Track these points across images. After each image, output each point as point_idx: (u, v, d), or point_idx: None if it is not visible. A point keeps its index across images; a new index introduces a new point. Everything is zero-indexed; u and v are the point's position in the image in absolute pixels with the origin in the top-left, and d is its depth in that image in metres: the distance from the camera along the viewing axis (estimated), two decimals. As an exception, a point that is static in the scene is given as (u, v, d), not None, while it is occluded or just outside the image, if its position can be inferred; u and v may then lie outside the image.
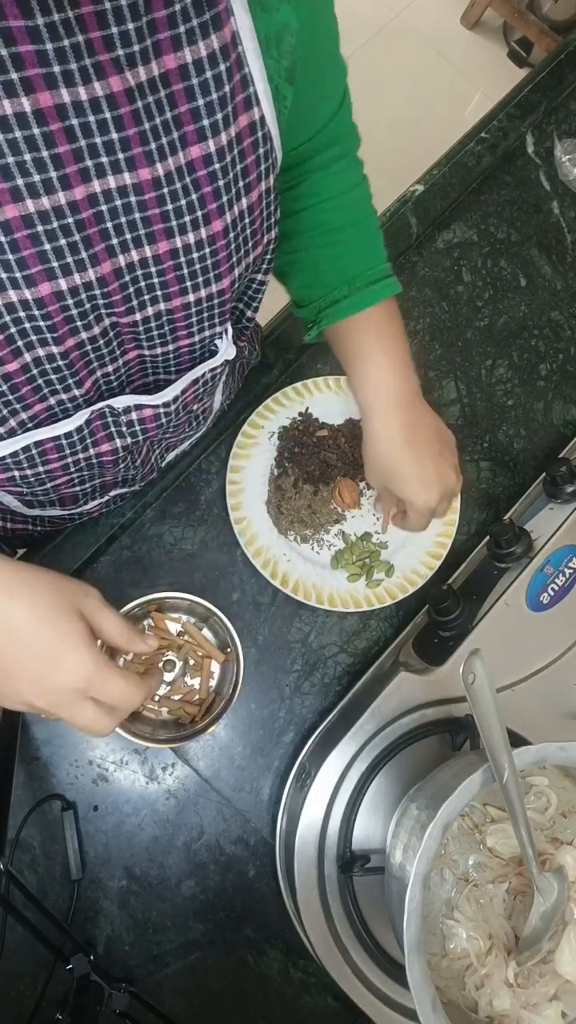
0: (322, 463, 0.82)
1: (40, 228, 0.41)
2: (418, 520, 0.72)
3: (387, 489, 0.72)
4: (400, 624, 0.81)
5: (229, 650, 0.72)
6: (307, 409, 0.84)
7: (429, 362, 0.89)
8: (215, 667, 0.74)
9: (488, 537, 0.78)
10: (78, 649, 0.46)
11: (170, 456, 0.79)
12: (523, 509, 0.83)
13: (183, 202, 0.45)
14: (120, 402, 0.56)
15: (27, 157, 0.38)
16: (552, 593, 0.73)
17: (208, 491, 0.81)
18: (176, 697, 0.73)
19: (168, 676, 0.73)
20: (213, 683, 0.74)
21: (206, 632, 0.75)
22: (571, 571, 0.74)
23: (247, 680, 0.77)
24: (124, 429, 0.59)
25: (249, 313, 0.64)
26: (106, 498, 0.75)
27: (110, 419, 0.57)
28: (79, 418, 0.54)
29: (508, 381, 0.90)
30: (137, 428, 0.60)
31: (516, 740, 0.68)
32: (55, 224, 0.41)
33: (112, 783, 0.74)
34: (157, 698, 0.72)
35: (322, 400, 0.84)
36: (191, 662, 0.74)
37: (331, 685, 0.79)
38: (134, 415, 0.58)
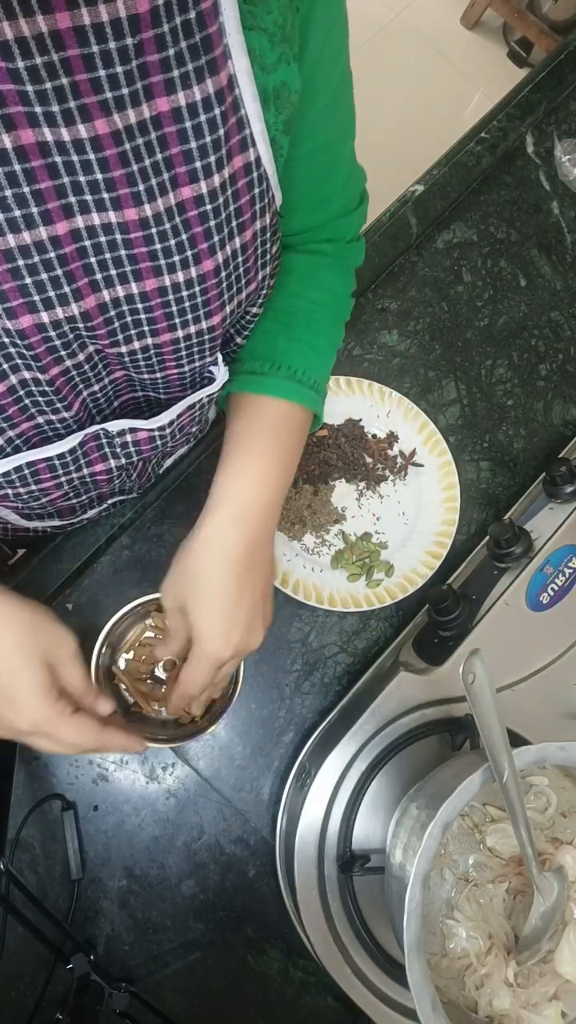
0: (322, 463, 0.82)
1: (21, 262, 0.40)
2: (200, 672, 0.58)
3: (176, 614, 0.59)
4: (400, 624, 0.81)
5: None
6: None
7: (429, 362, 0.89)
8: (215, 667, 0.74)
9: (488, 537, 0.78)
10: (34, 698, 0.49)
11: (167, 463, 0.79)
12: (523, 509, 0.83)
13: (172, 242, 0.44)
14: (114, 426, 0.56)
15: (8, 193, 0.38)
16: (552, 593, 0.73)
17: (208, 491, 0.81)
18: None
19: (168, 676, 0.73)
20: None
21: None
22: (571, 571, 0.74)
23: (247, 680, 0.77)
24: (119, 451, 0.59)
25: (239, 340, 0.63)
26: (104, 506, 0.75)
27: (104, 440, 0.57)
28: (72, 440, 0.54)
29: (508, 381, 0.90)
30: (132, 450, 0.59)
31: (516, 740, 0.68)
32: (36, 259, 0.41)
33: (112, 783, 0.74)
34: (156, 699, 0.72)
35: None
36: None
37: (331, 685, 0.79)
38: (128, 438, 0.58)
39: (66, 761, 0.74)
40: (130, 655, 0.73)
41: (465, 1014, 0.59)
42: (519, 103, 0.98)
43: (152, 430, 0.58)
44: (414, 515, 0.83)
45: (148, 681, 0.73)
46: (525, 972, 0.59)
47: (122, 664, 0.73)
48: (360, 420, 0.84)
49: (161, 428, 0.58)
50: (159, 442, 0.60)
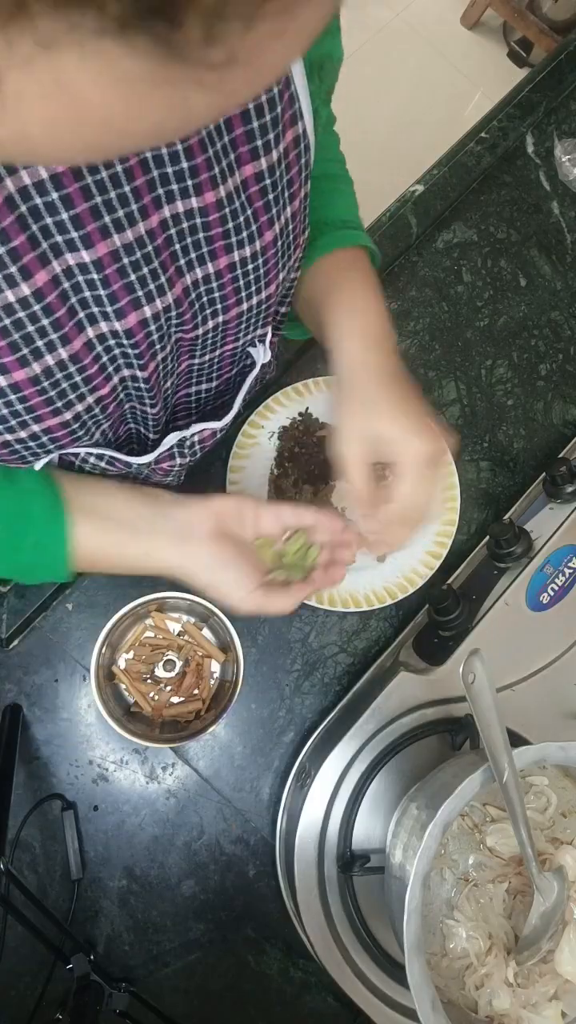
0: (322, 463, 0.82)
1: (126, 260, 0.42)
2: (418, 485, 0.54)
3: (365, 449, 0.56)
4: (400, 624, 0.81)
5: (229, 650, 0.72)
6: (307, 409, 0.84)
7: (429, 362, 0.89)
8: (215, 667, 0.75)
9: (488, 537, 0.78)
10: (240, 597, 0.56)
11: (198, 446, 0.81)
12: (523, 509, 0.83)
13: (241, 219, 0.46)
14: (191, 431, 0.60)
15: (113, 194, 0.40)
16: (552, 593, 0.73)
17: (208, 491, 0.80)
18: (176, 698, 0.73)
19: (168, 676, 0.73)
20: (213, 683, 0.74)
21: (206, 632, 0.75)
22: (571, 571, 0.74)
23: (247, 680, 0.77)
24: (187, 451, 0.63)
25: (283, 309, 0.65)
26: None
27: (175, 448, 0.61)
28: (156, 453, 0.58)
29: (508, 381, 0.90)
30: (197, 448, 0.63)
31: (516, 740, 0.68)
32: (138, 254, 0.43)
33: (112, 783, 0.74)
34: (156, 698, 0.72)
35: (322, 400, 0.84)
36: (191, 662, 0.74)
37: (331, 685, 0.79)
38: (197, 438, 0.61)
39: (66, 761, 0.74)
40: (130, 655, 0.73)
41: (465, 1014, 0.59)
42: (519, 103, 0.98)
43: (216, 430, 0.62)
44: None
45: (148, 681, 0.73)
46: (525, 972, 0.59)
47: (122, 664, 0.73)
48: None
49: (225, 426, 0.62)
50: (219, 435, 0.64)
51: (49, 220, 0.38)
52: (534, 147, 0.98)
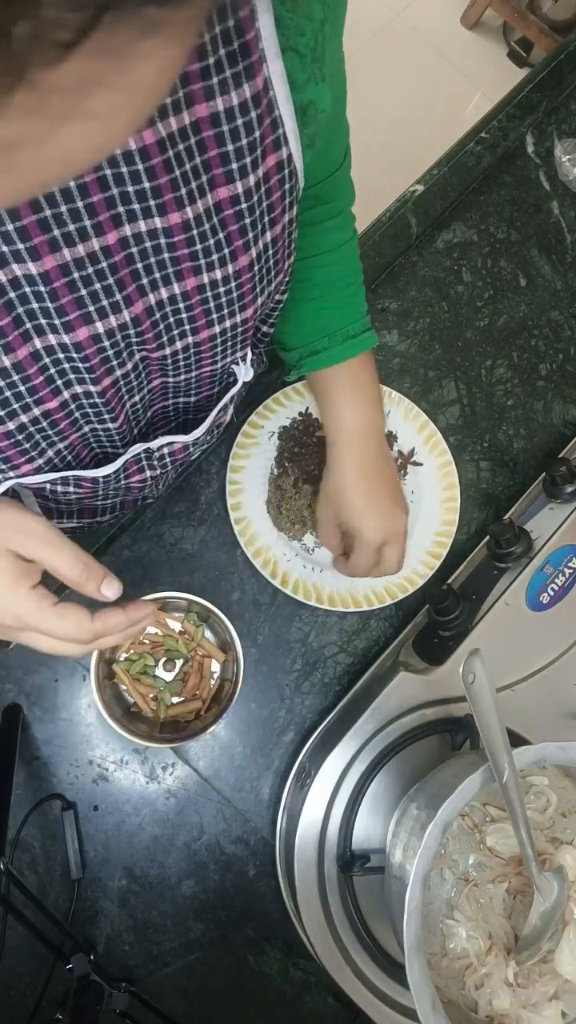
0: (322, 463, 0.82)
1: (76, 275, 0.41)
2: (362, 556, 0.72)
3: (334, 523, 0.74)
4: (400, 624, 0.81)
5: (229, 650, 0.72)
6: (307, 409, 0.84)
7: (429, 362, 0.89)
8: (215, 667, 0.75)
9: (488, 537, 0.78)
10: (5, 591, 0.45)
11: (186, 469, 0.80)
12: (523, 509, 0.83)
13: (211, 241, 0.45)
14: (156, 443, 0.58)
15: (63, 208, 0.39)
16: (552, 593, 0.73)
17: (208, 491, 0.81)
18: (177, 698, 0.73)
19: (168, 676, 0.73)
20: (213, 683, 0.74)
21: (206, 632, 0.75)
22: (571, 571, 0.74)
23: (247, 680, 0.77)
24: (156, 463, 0.61)
25: (265, 328, 0.65)
26: (117, 512, 0.76)
27: (142, 455, 0.59)
28: (117, 463, 0.56)
29: (508, 381, 0.90)
30: (167, 460, 0.62)
31: (516, 740, 0.68)
32: (90, 269, 0.42)
33: (112, 783, 0.74)
34: (156, 697, 0.72)
35: None
36: (191, 662, 0.74)
37: (331, 685, 0.79)
38: (166, 450, 0.60)
39: (66, 761, 0.74)
40: (130, 654, 0.73)
41: (465, 1014, 0.59)
42: (519, 103, 0.98)
43: (187, 443, 0.60)
44: (414, 515, 0.83)
45: (147, 678, 0.73)
46: (525, 972, 0.59)
47: (123, 663, 0.73)
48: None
49: (196, 440, 0.61)
50: (192, 448, 0.63)
51: None
52: (534, 147, 0.98)
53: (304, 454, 0.82)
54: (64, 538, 0.47)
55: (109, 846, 0.73)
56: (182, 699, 0.73)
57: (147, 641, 0.74)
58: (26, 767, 0.73)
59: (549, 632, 0.73)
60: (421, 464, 0.84)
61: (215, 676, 0.74)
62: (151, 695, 0.72)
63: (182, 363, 0.53)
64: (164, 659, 0.73)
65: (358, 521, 0.71)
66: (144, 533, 0.79)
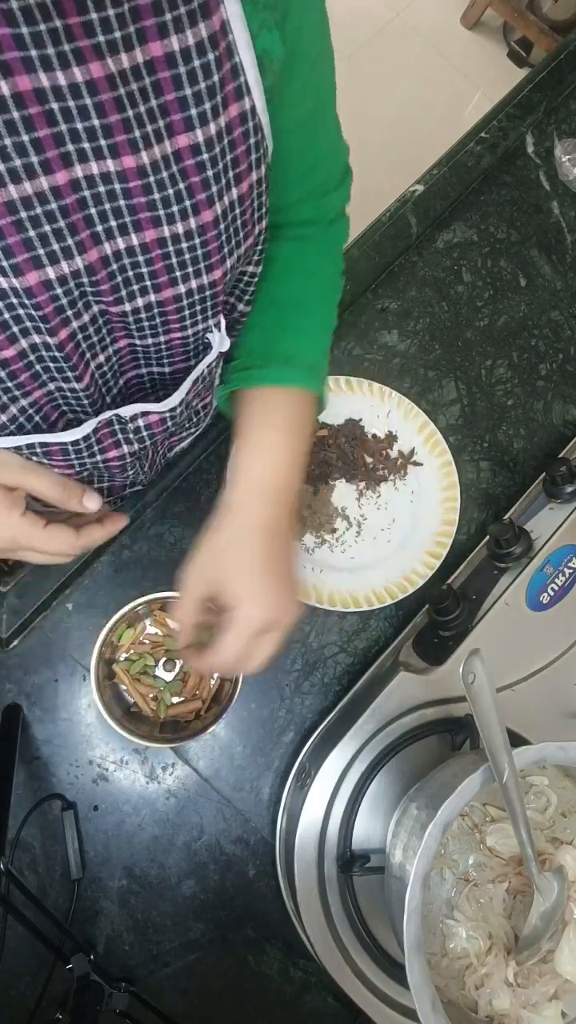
0: (322, 463, 0.82)
1: (24, 214, 0.40)
2: (234, 645, 0.54)
3: (202, 590, 0.56)
4: (400, 624, 0.81)
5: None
6: None
7: (429, 362, 0.89)
8: (215, 667, 0.74)
9: (488, 537, 0.78)
10: None
11: (174, 451, 0.78)
12: (523, 509, 0.83)
13: (170, 191, 0.44)
14: (127, 411, 0.56)
15: (7, 142, 0.38)
16: (552, 593, 0.73)
17: (208, 491, 0.81)
18: (177, 698, 0.73)
19: (168, 676, 0.73)
20: (213, 683, 0.74)
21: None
22: (571, 571, 0.74)
23: (247, 680, 0.77)
24: (132, 436, 0.59)
25: (241, 307, 0.63)
26: (110, 498, 0.75)
27: (117, 427, 0.57)
28: (86, 428, 0.55)
29: (508, 381, 0.90)
30: (144, 434, 0.60)
31: (516, 740, 0.68)
32: (39, 210, 0.41)
33: (112, 783, 0.74)
34: (156, 697, 0.72)
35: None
36: (191, 662, 0.74)
37: (331, 685, 0.79)
38: (140, 422, 0.58)
39: (66, 761, 0.74)
40: (130, 653, 0.73)
41: (465, 1014, 0.59)
42: (519, 103, 0.98)
43: (163, 412, 0.58)
44: (414, 515, 0.83)
45: (147, 678, 0.73)
46: (525, 972, 0.59)
47: (123, 662, 0.73)
48: (360, 420, 0.84)
49: (172, 409, 0.59)
50: (170, 423, 0.60)
51: None
52: (534, 147, 0.98)
53: None
54: (40, 465, 0.53)
55: (109, 846, 0.73)
56: (182, 699, 0.73)
57: (147, 641, 0.74)
58: (26, 767, 0.73)
59: (549, 632, 0.73)
60: (421, 464, 0.84)
61: (215, 676, 0.74)
62: (151, 695, 0.72)
63: (146, 324, 0.52)
64: (164, 659, 0.73)
65: (245, 596, 0.54)
66: (144, 533, 0.79)
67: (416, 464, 0.84)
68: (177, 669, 0.73)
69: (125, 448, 0.60)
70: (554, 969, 0.59)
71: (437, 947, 0.61)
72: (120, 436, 0.58)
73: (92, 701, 0.73)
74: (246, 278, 0.60)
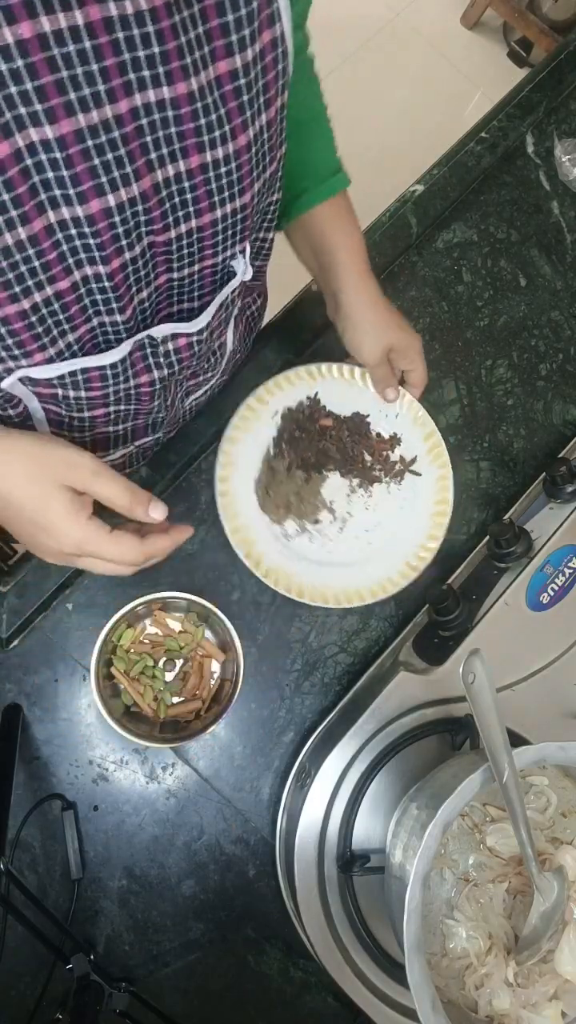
0: (320, 452, 0.81)
1: (91, 143, 0.42)
2: (421, 365, 0.79)
3: (383, 354, 0.77)
4: (400, 624, 0.81)
5: (229, 650, 0.72)
6: (316, 394, 0.82)
7: (429, 362, 0.88)
8: (215, 667, 0.75)
9: (488, 537, 0.78)
10: (65, 522, 0.50)
11: (189, 401, 0.78)
12: (523, 509, 0.83)
13: (213, 116, 0.46)
14: (159, 331, 0.58)
15: (79, 70, 0.39)
16: (552, 593, 0.73)
17: (208, 491, 0.81)
18: (176, 698, 0.73)
19: (168, 676, 0.73)
20: (213, 683, 0.74)
21: (206, 632, 0.75)
22: (571, 571, 0.74)
23: (247, 680, 0.77)
24: (162, 360, 0.61)
25: (262, 233, 0.65)
26: (130, 448, 0.76)
27: (149, 350, 0.59)
28: (123, 349, 0.56)
29: (508, 381, 0.90)
30: (173, 358, 0.62)
31: (516, 740, 0.68)
32: (103, 138, 0.42)
33: (112, 783, 0.74)
34: (156, 698, 0.72)
35: (333, 387, 0.82)
36: (191, 662, 0.74)
37: (331, 685, 0.79)
38: (170, 345, 0.60)
39: (66, 761, 0.74)
40: (130, 653, 0.73)
41: (465, 1014, 0.59)
42: (519, 103, 0.98)
43: (191, 334, 0.60)
44: (401, 523, 0.81)
45: (146, 678, 0.73)
46: (525, 972, 0.59)
47: (122, 664, 0.73)
48: (368, 416, 0.83)
49: (199, 332, 0.61)
50: (196, 347, 0.62)
51: (13, 89, 0.38)
52: (534, 147, 0.98)
53: (304, 439, 0.80)
54: (111, 469, 0.52)
55: (109, 846, 0.73)
56: (182, 699, 0.73)
57: (147, 641, 0.74)
58: (26, 767, 0.73)
59: (549, 632, 0.73)
60: (419, 475, 0.82)
61: (215, 676, 0.74)
62: (151, 695, 0.72)
63: (185, 251, 0.54)
64: (164, 659, 0.73)
65: (406, 339, 0.76)
66: (144, 533, 0.79)
67: (414, 473, 0.82)
68: (177, 669, 0.74)
69: (155, 373, 0.62)
70: (554, 969, 0.59)
71: (437, 947, 0.61)
72: (151, 360, 0.60)
73: (92, 701, 0.73)
74: (272, 208, 0.63)
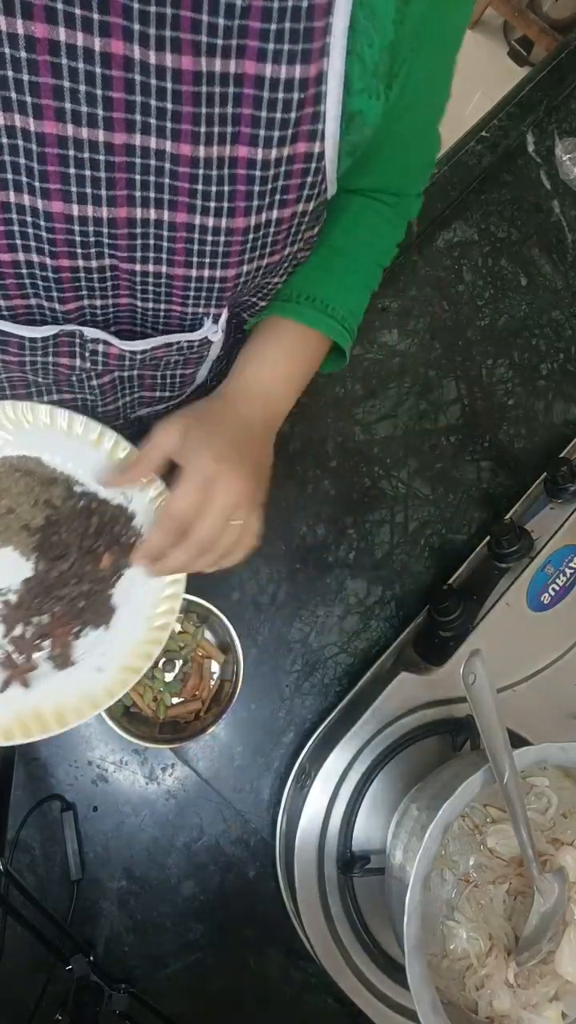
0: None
1: (72, 153, 0.42)
2: (183, 488, 0.53)
3: (169, 451, 0.55)
4: (400, 624, 0.81)
5: (229, 651, 0.72)
6: None
7: (430, 361, 0.89)
8: (215, 667, 0.74)
9: (489, 537, 0.77)
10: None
11: (141, 412, 0.74)
12: (524, 509, 0.83)
13: (213, 189, 0.46)
14: (90, 333, 0.57)
15: (82, 88, 0.40)
16: (553, 593, 0.73)
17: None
18: (176, 699, 0.73)
19: (168, 676, 0.73)
20: (213, 684, 0.74)
21: (206, 632, 0.75)
22: (572, 571, 0.74)
23: (247, 680, 0.77)
24: (87, 355, 0.59)
25: (262, 304, 0.64)
26: None
27: (77, 341, 0.58)
28: (48, 330, 0.55)
29: (509, 381, 0.90)
30: (99, 358, 0.60)
31: (516, 740, 0.68)
32: (86, 155, 0.43)
33: (112, 783, 0.74)
34: (156, 698, 0.72)
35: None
36: (191, 662, 0.74)
37: (331, 685, 0.79)
38: (100, 348, 0.59)
39: (66, 762, 0.74)
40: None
41: (465, 1015, 0.59)
42: (520, 102, 0.98)
43: (123, 351, 0.59)
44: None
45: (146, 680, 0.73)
46: (525, 973, 0.59)
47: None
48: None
49: (132, 353, 0.59)
50: (127, 363, 0.60)
51: (10, 73, 0.39)
52: (535, 146, 0.98)
53: None
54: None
55: (109, 847, 0.73)
56: (182, 700, 0.73)
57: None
58: (26, 767, 0.73)
59: (550, 632, 0.73)
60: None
61: (215, 677, 0.74)
62: (151, 696, 0.72)
63: (151, 288, 0.53)
64: (164, 659, 0.73)
65: (202, 452, 0.53)
66: (144, 533, 0.79)
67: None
68: (177, 669, 0.73)
69: (77, 361, 0.59)
70: (554, 970, 0.59)
71: (437, 948, 0.61)
72: (77, 350, 0.58)
73: (92, 701, 0.73)
74: (269, 287, 0.61)
